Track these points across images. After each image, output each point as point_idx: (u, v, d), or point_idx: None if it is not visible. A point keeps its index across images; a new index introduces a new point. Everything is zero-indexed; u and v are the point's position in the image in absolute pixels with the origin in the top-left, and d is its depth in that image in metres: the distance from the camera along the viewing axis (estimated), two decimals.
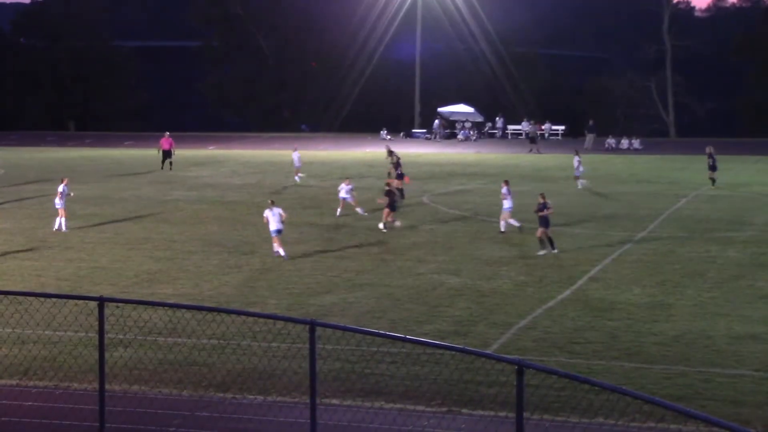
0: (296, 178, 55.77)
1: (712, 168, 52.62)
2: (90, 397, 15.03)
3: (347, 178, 44.07)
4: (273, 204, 33.95)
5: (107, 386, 13.60)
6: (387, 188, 39.57)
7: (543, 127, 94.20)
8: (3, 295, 14.91)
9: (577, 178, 53.36)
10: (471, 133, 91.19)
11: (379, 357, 20.18)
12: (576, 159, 53.62)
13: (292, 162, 56.66)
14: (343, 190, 42.11)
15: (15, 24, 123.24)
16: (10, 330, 20.26)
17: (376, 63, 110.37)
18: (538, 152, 75.34)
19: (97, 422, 13.40)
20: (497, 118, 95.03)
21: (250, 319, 21.16)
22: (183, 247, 35.15)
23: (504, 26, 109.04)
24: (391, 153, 55.43)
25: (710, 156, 52.89)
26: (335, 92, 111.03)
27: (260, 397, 18.05)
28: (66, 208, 39.04)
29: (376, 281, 29.44)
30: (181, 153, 73.66)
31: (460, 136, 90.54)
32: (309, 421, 12.36)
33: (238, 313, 16.39)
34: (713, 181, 52.52)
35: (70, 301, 19.40)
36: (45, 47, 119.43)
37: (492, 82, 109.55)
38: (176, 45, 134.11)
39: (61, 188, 39.14)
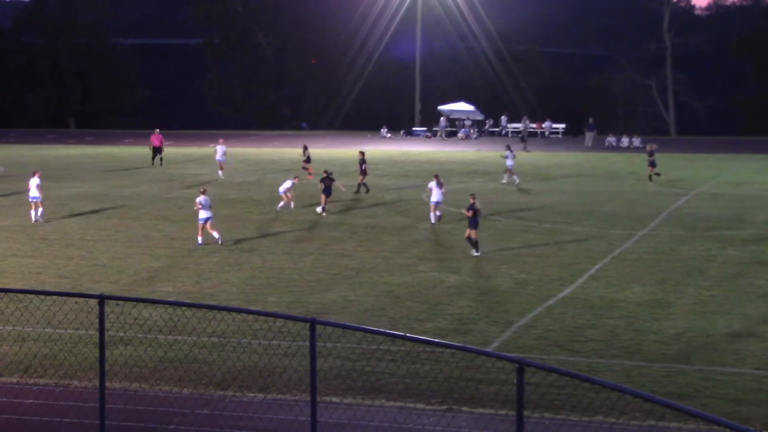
0: (219, 173, 57.40)
1: (652, 164, 54.25)
2: (90, 394, 15.05)
3: (296, 177, 45.55)
4: (204, 192, 35.92)
5: (107, 384, 13.59)
6: (324, 175, 43.09)
7: (543, 126, 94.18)
8: (3, 293, 14.91)
9: (508, 171, 54.44)
10: (471, 131, 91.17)
11: (379, 355, 20.21)
12: (508, 153, 54.63)
13: (214, 156, 58.58)
14: (284, 186, 43.74)
15: (16, 21, 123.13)
16: (11, 327, 20.29)
17: (377, 61, 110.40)
18: (527, 150, 75.33)
19: (97, 420, 13.40)
20: (502, 117, 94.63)
21: (251, 316, 21.18)
22: (183, 245, 35.16)
23: (504, 24, 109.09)
24: (305, 149, 56.59)
25: (651, 153, 54.61)
26: (336, 90, 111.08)
27: (260, 395, 18.05)
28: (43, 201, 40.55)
29: (377, 279, 29.45)
30: (181, 151, 73.72)
31: (460, 134, 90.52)
32: (309, 419, 12.36)
33: (239, 311, 16.37)
34: (654, 176, 53.84)
35: (71, 298, 19.42)
36: (45, 44, 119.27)
37: (492, 80, 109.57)
38: (176, 42, 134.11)
39: (36, 181, 40.26)
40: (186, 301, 25.09)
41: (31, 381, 18.87)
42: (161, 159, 63.90)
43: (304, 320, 12.32)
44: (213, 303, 25.75)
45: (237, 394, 18.29)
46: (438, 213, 40.26)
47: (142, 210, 43.69)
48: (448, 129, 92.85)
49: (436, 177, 40.93)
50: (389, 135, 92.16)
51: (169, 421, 16.63)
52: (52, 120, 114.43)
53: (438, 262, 32.12)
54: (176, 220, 41.01)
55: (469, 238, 33.60)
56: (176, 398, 17.89)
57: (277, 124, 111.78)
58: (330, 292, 27.65)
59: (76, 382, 18.60)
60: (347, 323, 19.72)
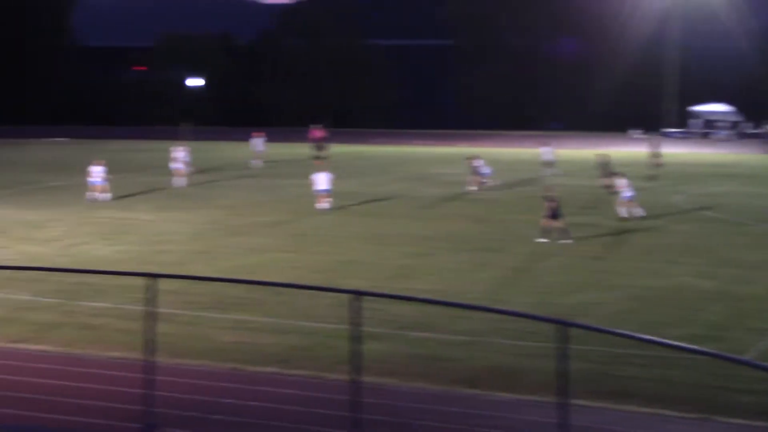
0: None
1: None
2: (342, 387, 15.36)
3: None
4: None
5: (360, 378, 13.81)
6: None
7: None
8: (264, 286, 15.52)
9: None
10: (729, 133, 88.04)
11: (627, 359, 19.85)
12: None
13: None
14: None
15: (279, 22, 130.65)
16: (274, 320, 21.12)
17: (632, 60, 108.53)
18: None
19: (348, 412, 13.75)
20: None
21: (497, 316, 21.27)
22: (432, 244, 35.50)
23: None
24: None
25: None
26: (585, 91, 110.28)
27: (507, 395, 18.06)
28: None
29: (626, 283, 28.91)
30: (428, 150, 74.38)
31: (716, 136, 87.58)
32: (556, 420, 12.30)
33: (488, 310, 16.44)
34: None
35: (323, 293, 19.95)
36: (304, 46, 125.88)
37: (751, 80, 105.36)
38: (426, 44, 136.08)
39: (98, 170, 46.45)
40: (436, 299, 25.35)
41: (288, 372, 19.48)
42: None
43: (554, 322, 12.29)
44: (461, 301, 25.96)
45: (484, 392, 18.37)
46: (630, 209, 40.55)
47: (392, 209, 44.50)
48: (704, 130, 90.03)
49: (471, 160, 44.79)
50: (642, 136, 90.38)
51: (417, 417, 16.88)
52: (306, 119, 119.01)
53: (690, 266, 31.21)
54: (424, 218, 41.53)
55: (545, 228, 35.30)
56: (424, 394, 18.14)
57: (525, 124, 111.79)
58: (579, 294, 27.33)
59: (329, 375, 19.09)
60: (597, 326, 19.48)
